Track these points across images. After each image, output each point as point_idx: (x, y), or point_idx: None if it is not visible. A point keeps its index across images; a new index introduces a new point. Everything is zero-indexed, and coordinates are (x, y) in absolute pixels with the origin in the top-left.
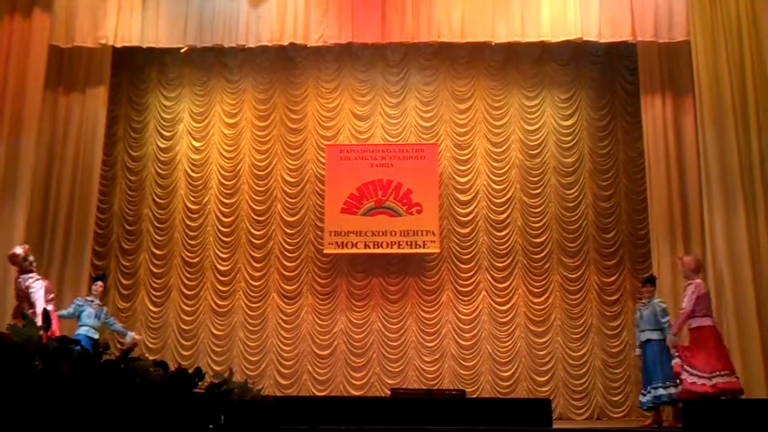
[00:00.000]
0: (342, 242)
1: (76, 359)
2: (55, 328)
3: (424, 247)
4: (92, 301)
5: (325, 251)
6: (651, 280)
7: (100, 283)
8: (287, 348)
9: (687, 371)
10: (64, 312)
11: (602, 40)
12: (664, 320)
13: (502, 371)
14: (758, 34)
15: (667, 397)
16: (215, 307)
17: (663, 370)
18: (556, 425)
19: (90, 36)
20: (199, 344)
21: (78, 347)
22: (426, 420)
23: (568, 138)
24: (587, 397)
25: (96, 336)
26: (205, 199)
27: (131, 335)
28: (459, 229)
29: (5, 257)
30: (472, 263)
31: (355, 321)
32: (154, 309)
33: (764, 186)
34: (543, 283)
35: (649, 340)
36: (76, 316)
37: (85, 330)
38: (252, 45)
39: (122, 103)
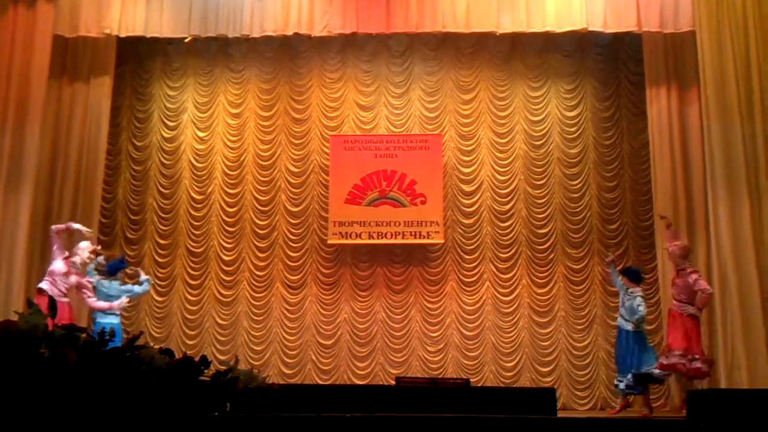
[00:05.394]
0: (346, 232)
1: (82, 347)
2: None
3: (428, 238)
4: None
5: (329, 241)
6: (625, 273)
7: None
8: (291, 338)
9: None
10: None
11: (607, 31)
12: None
13: (505, 361)
14: (764, 24)
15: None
16: (220, 297)
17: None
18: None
19: (94, 26)
20: (203, 334)
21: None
22: (431, 409)
23: (573, 129)
24: (590, 387)
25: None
26: (210, 189)
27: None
28: (463, 220)
29: (10, 247)
30: (476, 254)
31: (359, 311)
32: (159, 298)
33: None
34: (547, 273)
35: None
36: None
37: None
38: (256, 35)
39: (126, 93)
